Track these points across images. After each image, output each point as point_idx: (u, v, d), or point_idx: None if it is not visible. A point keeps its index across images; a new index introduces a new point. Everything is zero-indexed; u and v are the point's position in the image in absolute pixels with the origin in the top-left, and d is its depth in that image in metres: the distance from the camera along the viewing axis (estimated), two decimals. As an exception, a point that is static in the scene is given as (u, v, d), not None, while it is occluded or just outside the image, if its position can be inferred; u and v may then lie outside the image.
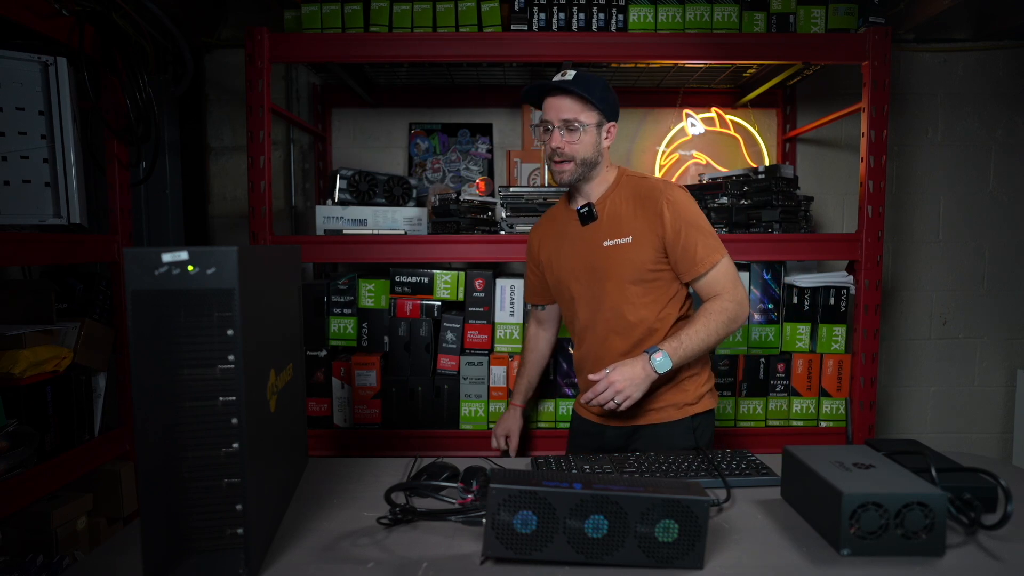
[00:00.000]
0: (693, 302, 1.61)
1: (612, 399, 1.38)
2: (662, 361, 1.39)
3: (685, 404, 1.54)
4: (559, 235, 1.62)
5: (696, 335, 1.43)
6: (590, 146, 1.50)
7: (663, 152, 2.62)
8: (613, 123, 1.55)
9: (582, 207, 1.55)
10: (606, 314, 1.54)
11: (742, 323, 1.49)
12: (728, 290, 1.47)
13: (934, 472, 0.99)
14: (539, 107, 1.56)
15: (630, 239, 1.50)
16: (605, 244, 1.52)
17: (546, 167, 2.24)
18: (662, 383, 1.50)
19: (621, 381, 1.37)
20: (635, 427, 1.56)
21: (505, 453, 1.82)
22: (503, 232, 2.12)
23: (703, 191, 2.21)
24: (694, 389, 1.55)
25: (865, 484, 0.92)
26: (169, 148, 2.37)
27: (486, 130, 2.65)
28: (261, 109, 1.93)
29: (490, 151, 2.65)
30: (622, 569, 0.88)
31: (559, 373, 2.11)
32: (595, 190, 1.57)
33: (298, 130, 2.63)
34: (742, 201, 2.16)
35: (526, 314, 2.08)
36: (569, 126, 1.48)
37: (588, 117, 1.49)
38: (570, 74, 1.51)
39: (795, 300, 2.13)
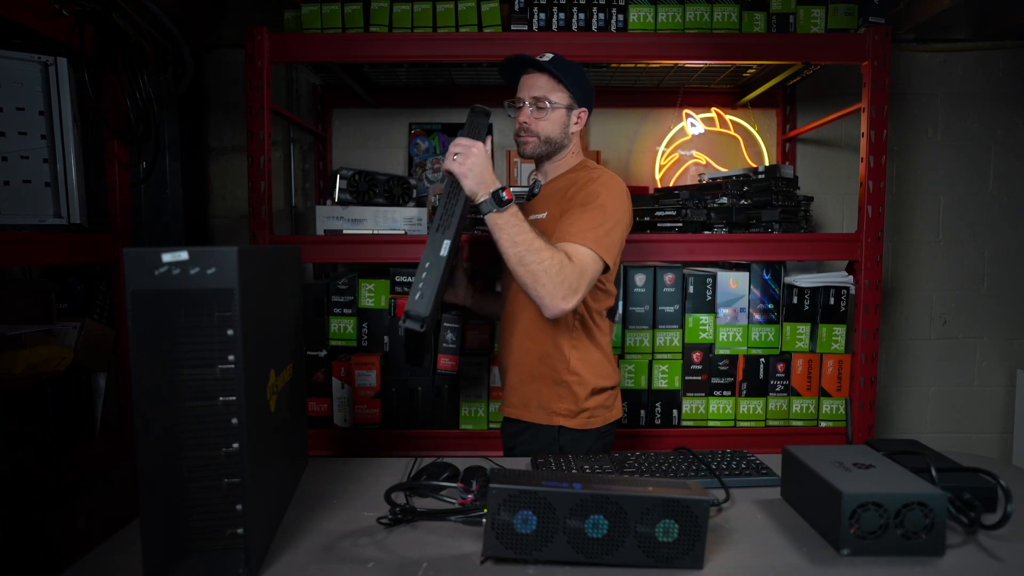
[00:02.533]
0: (615, 305, 1.63)
1: (455, 157, 1.33)
2: (503, 197, 1.31)
3: (553, 413, 1.54)
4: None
5: (533, 240, 1.32)
6: (557, 126, 1.55)
7: (663, 152, 2.62)
8: (584, 109, 1.59)
9: (533, 182, 1.59)
10: (515, 295, 1.58)
11: (548, 303, 1.33)
12: (574, 265, 1.35)
13: (934, 472, 0.99)
14: (513, 84, 1.61)
15: (545, 215, 1.54)
16: (530, 218, 1.49)
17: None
18: (546, 372, 1.53)
19: (475, 152, 1.33)
20: (516, 422, 1.59)
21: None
22: (503, 232, 2.12)
23: (703, 191, 2.21)
24: (568, 400, 1.53)
25: (865, 484, 0.92)
26: (169, 148, 2.37)
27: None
28: (261, 109, 1.93)
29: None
30: (622, 569, 0.88)
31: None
32: (554, 171, 1.62)
33: (298, 130, 2.63)
34: (742, 201, 2.16)
35: (526, 314, 2.08)
36: (538, 103, 1.53)
37: (559, 98, 1.54)
38: (548, 56, 1.54)
39: (795, 300, 2.13)
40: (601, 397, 1.57)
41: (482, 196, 1.32)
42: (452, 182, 1.34)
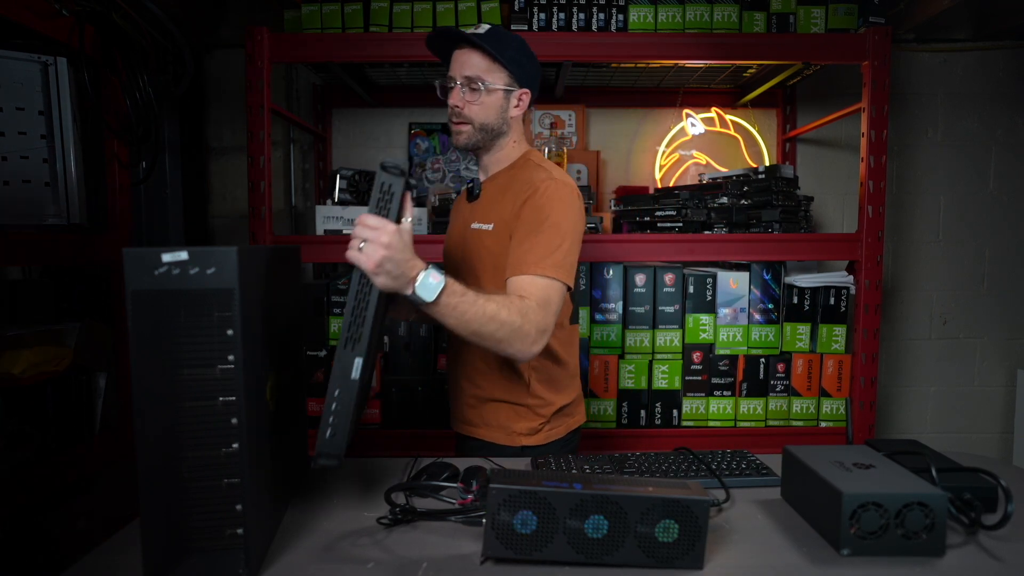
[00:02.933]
0: (574, 309, 1.50)
1: (360, 247, 1.00)
2: (432, 285, 1.07)
3: (519, 434, 1.41)
4: (459, 207, 1.53)
5: (482, 309, 1.13)
6: (492, 110, 1.35)
7: (663, 152, 2.62)
8: (526, 91, 1.38)
9: (469, 181, 1.46)
10: None
11: (519, 356, 1.20)
12: (531, 305, 1.20)
13: (934, 472, 0.99)
14: (447, 62, 1.40)
15: (491, 226, 1.35)
16: (472, 226, 1.39)
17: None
18: (498, 395, 1.39)
19: (386, 240, 0.99)
20: (469, 440, 1.46)
21: None
22: (503, 232, 2.12)
23: (703, 191, 2.21)
24: (531, 419, 1.41)
25: (865, 484, 0.92)
26: (169, 148, 2.37)
27: (486, 130, 2.65)
28: (261, 109, 1.93)
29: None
30: (622, 569, 0.88)
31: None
32: (494, 166, 1.43)
33: (298, 130, 2.63)
34: (742, 201, 2.15)
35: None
36: (471, 84, 1.33)
37: (495, 78, 1.34)
38: (484, 27, 1.35)
39: (795, 300, 2.13)
40: (563, 412, 1.46)
41: (406, 292, 1.06)
42: (360, 277, 1.01)
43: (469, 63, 1.34)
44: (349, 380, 0.98)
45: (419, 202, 2.34)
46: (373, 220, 1.00)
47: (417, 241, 1.17)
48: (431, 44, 1.41)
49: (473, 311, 1.13)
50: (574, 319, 1.51)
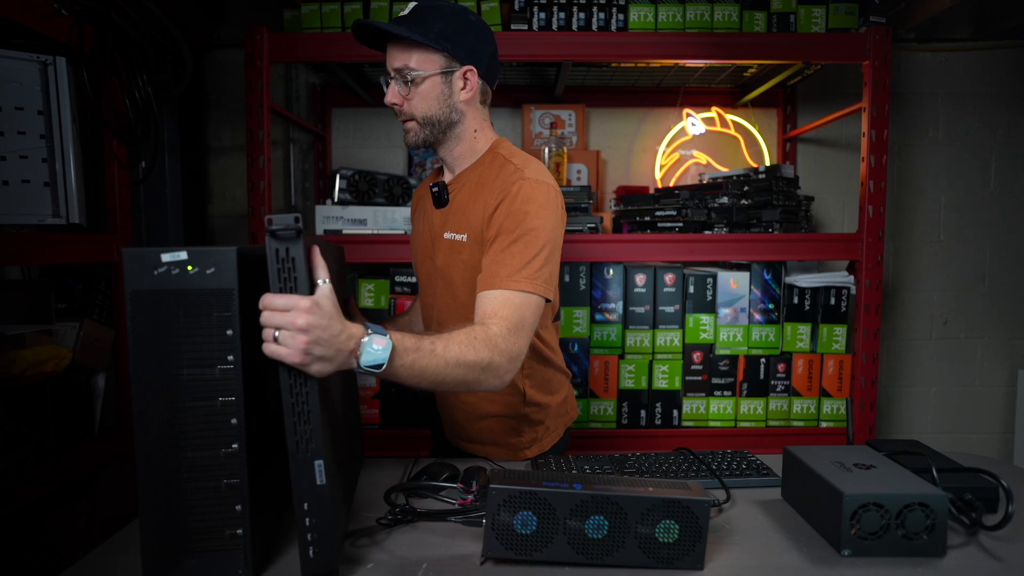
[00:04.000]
0: (557, 309, 1.42)
1: (275, 336, 0.81)
2: (377, 352, 0.90)
3: (518, 448, 1.35)
4: (423, 207, 1.38)
5: (441, 358, 0.99)
6: (432, 100, 1.20)
7: (663, 152, 2.61)
8: (470, 67, 1.20)
9: (434, 186, 1.30)
10: (439, 316, 1.32)
11: (489, 388, 1.08)
12: (498, 331, 1.07)
13: (935, 472, 0.99)
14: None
15: (465, 237, 1.23)
16: (445, 236, 1.27)
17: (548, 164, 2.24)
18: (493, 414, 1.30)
19: (303, 322, 0.81)
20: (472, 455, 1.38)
21: None
22: (503, 232, 2.11)
23: (703, 191, 2.20)
24: (529, 433, 1.35)
25: (866, 484, 0.92)
26: (169, 148, 2.37)
27: (486, 130, 2.64)
28: (261, 109, 1.93)
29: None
30: (622, 569, 0.88)
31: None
32: (459, 163, 1.29)
33: (298, 130, 2.63)
34: (742, 201, 2.15)
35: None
36: (402, 76, 1.19)
37: (425, 63, 1.17)
38: (409, 7, 1.20)
39: (795, 300, 2.12)
40: (558, 411, 1.41)
41: (351, 367, 0.90)
42: (288, 373, 0.83)
43: (393, 54, 1.20)
44: (316, 488, 0.82)
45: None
46: (279, 300, 0.81)
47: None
48: (359, 37, 1.25)
49: (433, 363, 0.98)
50: (556, 317, 1.43)
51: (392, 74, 1.21)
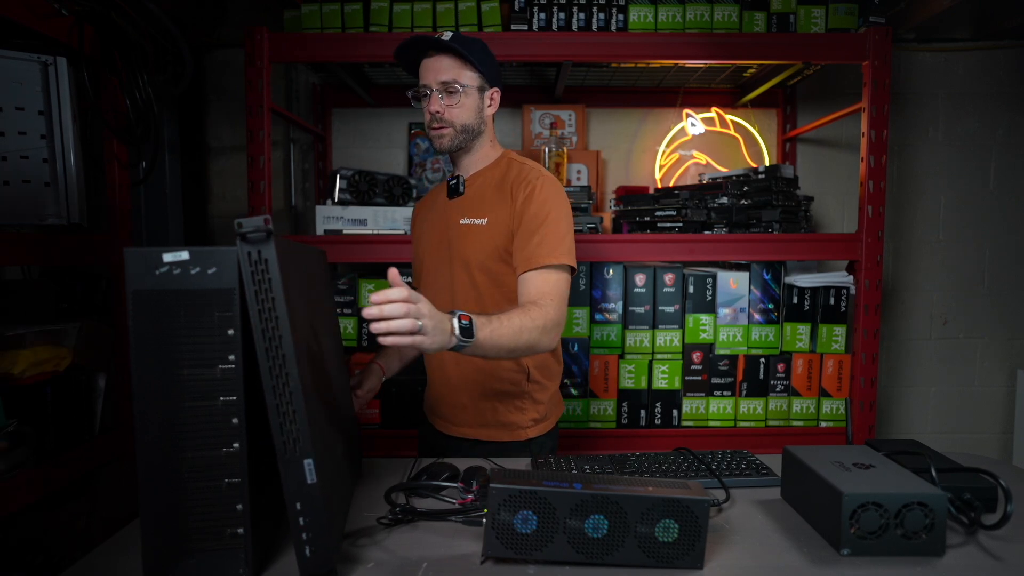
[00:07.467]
0: None
1: (400, 324, 0.99)
2: (467, 326, 1.11)
3: (519, 427, 1.45)
4: (431, 207, 1.55)
5: (509, 327, 1.19)
6: (471, 111, 1.41)
7: (663, 152, 2.62)
8: (496, 89, 1.45)
9: (451, 179, 1.48)
10: (455, 298, 1.44)
11: (543, 350, 1.30)
12: (547, 303, 1.29)
13: (934, 472, 0.99)
14: (414, 72, 1.45)
15: (485, 221, 1.40)
16: (461, 222, 1.43)
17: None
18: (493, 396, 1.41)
19: (428, 316, 1.02)
20: (474, 441, 1.47)
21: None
22: (503, 232, 2.12)
23: (703, 191, 2.21)
24: (531, 411, 1.46)
25: (865, 484, 0.92)
26: (169, 148, 2.37)
27: (486, 130, 2.64)
28: (261, 109, 1.93)
29: None
30: (622, 569, 0.88)
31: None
32: (474, 165, 1.48)
33: (298, 130, 2.63)
34: (742, 201, 2.16)
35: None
36: (448, 88, 1.38)
37: (469, 79, 1.39)
38: (448, 34, 1.39)
39: (795, 300, 2.13)
40: (553, 400, 1.52)
41: (450, 345, 1.09)
42: (272, 366, 0.82)
43: (443, 68, 1.38)
44: (307, 487, 0.82)
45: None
46: (394, 293, 1.00)
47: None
48: (400, 58, 1.44)
49: (506, 332, 1.18)
50: None
51: (436, 87, 1.38)
